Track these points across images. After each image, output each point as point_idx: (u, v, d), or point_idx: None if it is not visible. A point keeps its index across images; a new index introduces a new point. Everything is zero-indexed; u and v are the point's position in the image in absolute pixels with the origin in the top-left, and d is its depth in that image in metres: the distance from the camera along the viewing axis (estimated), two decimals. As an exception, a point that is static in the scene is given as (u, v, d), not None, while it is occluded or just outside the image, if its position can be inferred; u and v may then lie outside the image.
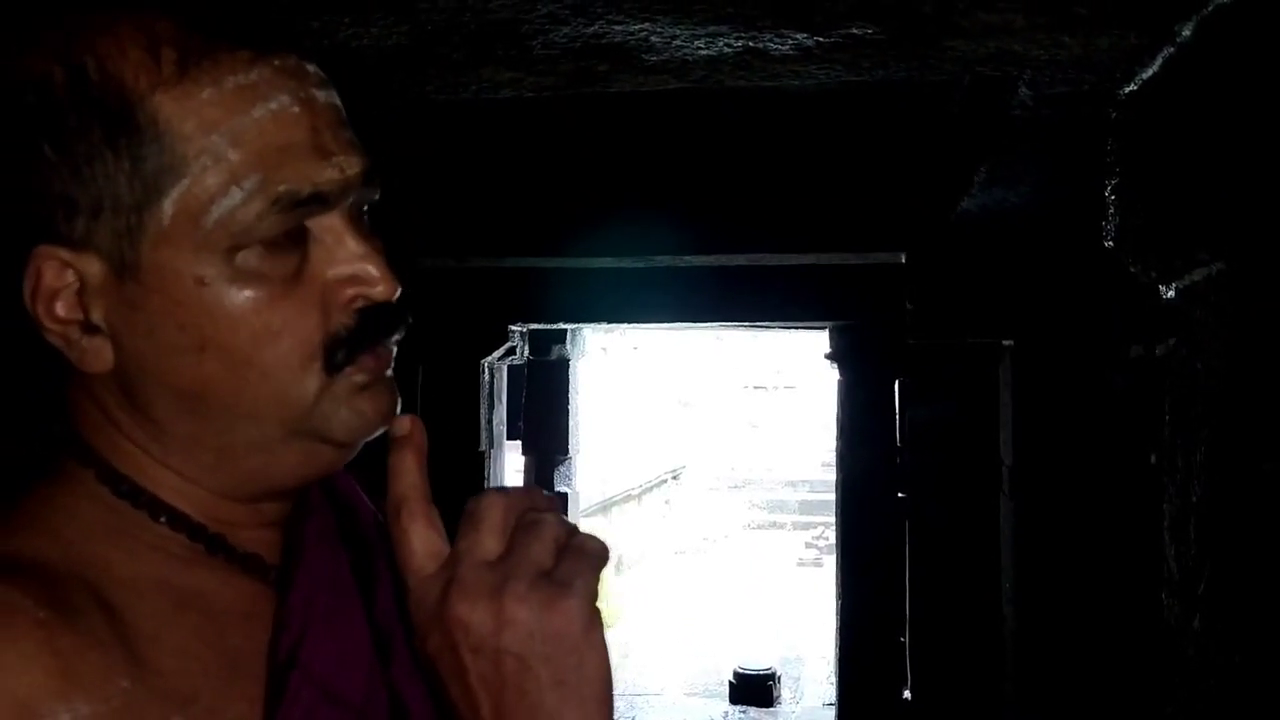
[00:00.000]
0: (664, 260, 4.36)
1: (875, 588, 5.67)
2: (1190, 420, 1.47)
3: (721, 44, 1.57)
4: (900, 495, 5.47)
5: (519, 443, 7.99)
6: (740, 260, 4.39)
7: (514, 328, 6.15)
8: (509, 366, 6.80)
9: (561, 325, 6.87)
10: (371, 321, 0.66)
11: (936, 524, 4.93)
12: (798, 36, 1.51)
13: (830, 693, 6.73)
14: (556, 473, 7.92)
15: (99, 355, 0.63)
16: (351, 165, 0.64)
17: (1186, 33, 1.44)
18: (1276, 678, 1.23)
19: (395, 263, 0.67)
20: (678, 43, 1.57)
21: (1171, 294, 1.55)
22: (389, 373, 0.68)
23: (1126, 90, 1.67)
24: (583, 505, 8.65)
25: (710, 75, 1.73)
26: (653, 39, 1.55)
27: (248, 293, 0.62)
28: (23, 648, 0.56)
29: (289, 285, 0.63)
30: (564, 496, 7.91)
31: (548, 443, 7.90)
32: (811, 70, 1.68)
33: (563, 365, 7.89)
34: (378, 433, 0.68)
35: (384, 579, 0.73)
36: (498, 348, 6.11)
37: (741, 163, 3.52)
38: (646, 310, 5.64)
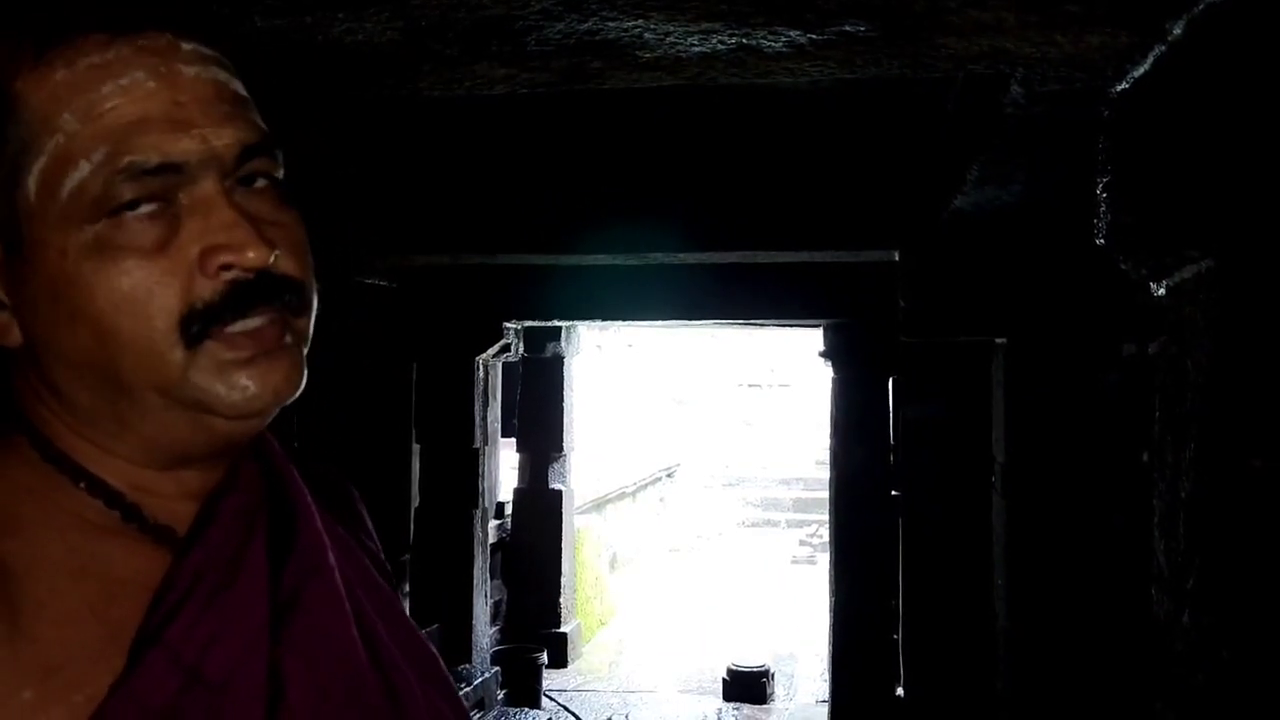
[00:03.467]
0: (659, 257, 4.36)
1: (868, 585, 5.68)
2: (1180, 417, 1.47)
3: (715, 41, 1.57)
4: (894, 493, 5.48)
5: (514, 440, 8.00)
6: (734, 258, 4.39)
7: (508, 325, 6.15)
8: (503, 364, 6.80)
9: (556, 322, 6.87)
10: (237, 293, 0.66)
11: (929, 521, 4.94)
12: (791, 33, 1.51)
13: (823, 689, 6.75)
14: (551, 470, 7.92)
15: (8, 330, 0.67)
16: (221, 136, 0.65)
17: (1177, 31, 1.44)
18: (1264, 672, 1.24)
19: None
20: (671, 39, 1.57)
21: (1162, 291, 1.56)
22: (287, 340, 0.68)
23: (1118, 89, 1.68)
24: (577, 503, 8.66)
25: (704, 72, 1.73)
26: (646, 35, 1.56)
27: (108, 264, 0.64)
28: None
29: (151, 256, 0.64)
30: (558, 494, 7.92)
31: (542, 440, 7.91)
32: (805, 67, 1.69)
33: (557, 362, 7.89)
34: (272, 405, 0.69)
35: (300, 553, 0.74)
36: (492, 345, 6.11)
37: (736, 160, 3.52)
38: (641, 307, 5.64)
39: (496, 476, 7.56)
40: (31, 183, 0.64)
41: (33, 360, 0.68)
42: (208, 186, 0.65)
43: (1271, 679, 1.23)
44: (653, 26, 1.51)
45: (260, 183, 0.69)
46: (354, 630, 0.74)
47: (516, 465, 8.00)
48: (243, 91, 0.69)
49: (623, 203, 3.64)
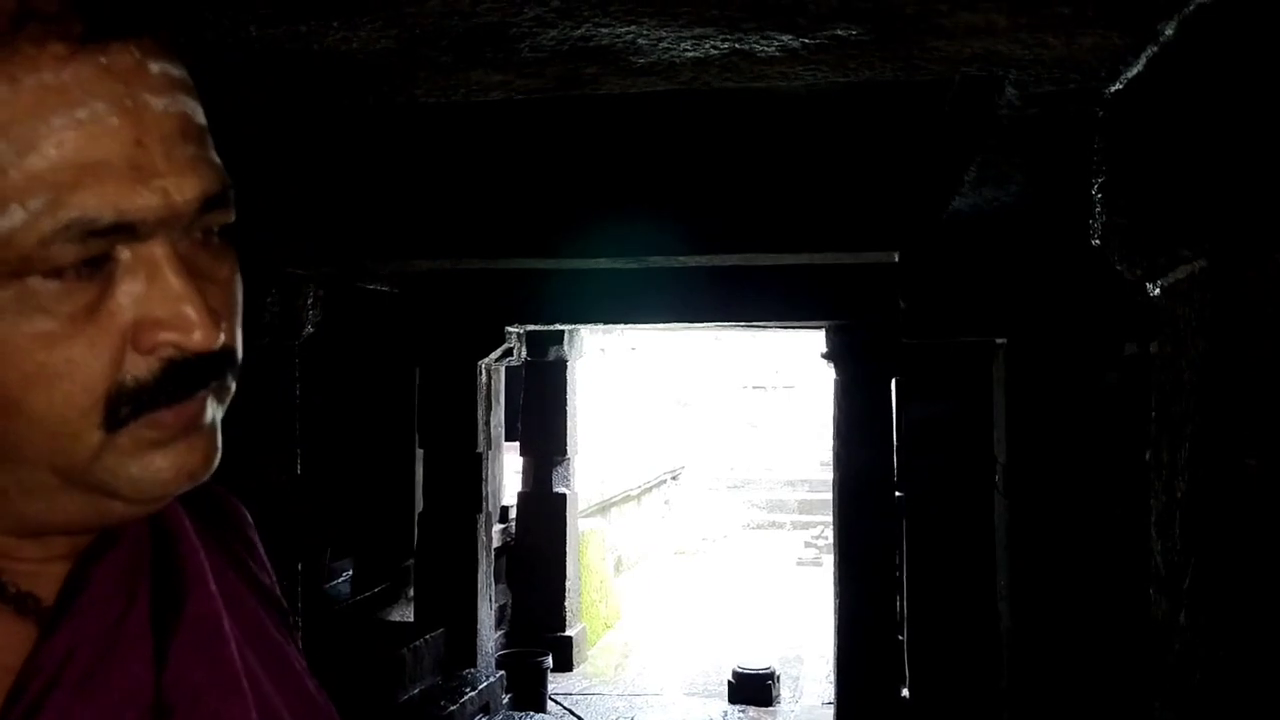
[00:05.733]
0: (659, 261, 4.37)
1: (873, 587, 5.68)
2: (1175, 416, 1.48)
3: (708, 46, 1.58)
4: (897, 494, 5.48)
5: (517, 444, 8.01)
6: (735, 260, 4.40)
7: (511, 329, 6.17)
8: (506, 368, 6.81)
9: (558, 326, 6.89)
10: (176, 375, 0.56)
11: (933, 522, 4.94)
12: (783, 38, 1.52)
13: (829, 691, 6.75)
14: (555, 474, 7.93)
15: None
16: (184, 189, 0.55)
17: (1169, 31, 1.44)
18: (1260, 672, 1.24)
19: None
20: (664, 45, 1.57)
21: (1156, 292, 1.56)
22: (207, 419, 0.59)
23: (1112, 89, 1.68)
24: (582, 506, 8.67)
25: (698, 77, 1.74)
26: (639, 41, 1.56)
27: (24, 326, 0.53)
28: None
29: (79, 322, 0.54)
30: (562, 497, 7.93)
31: (546, 444, 7.92)
32: (798, 71, 1.69)
33: (560, 366, 7.90)
34: (183, 490, 0.60)
35: (189, 624, 0.63)
36: (495, 349, 6.12)
37: (736, 163, 3.53)
38: (643, 310, 5.65)
39: (500, 480, 7.57)
40: None
41: None
42: (156, 246, 0.55)
43: (1268, 679, 1.23)
44: (645, 32, 1.52)
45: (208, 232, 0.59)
46: (252, 712, 0.64)
47: (520, 469, 8.02)
48: (203, 120, 0.58)
49: (623, 206, 3.65)
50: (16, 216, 0.51)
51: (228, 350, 0.58)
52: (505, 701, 6.47)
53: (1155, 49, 1.50)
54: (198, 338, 0.55)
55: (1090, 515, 3.19)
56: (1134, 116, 1.61)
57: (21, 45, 0.51)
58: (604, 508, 11.02)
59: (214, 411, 0.59)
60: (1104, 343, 3.24)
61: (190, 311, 0.55)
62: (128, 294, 0.55)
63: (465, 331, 6.00)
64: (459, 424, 6.14)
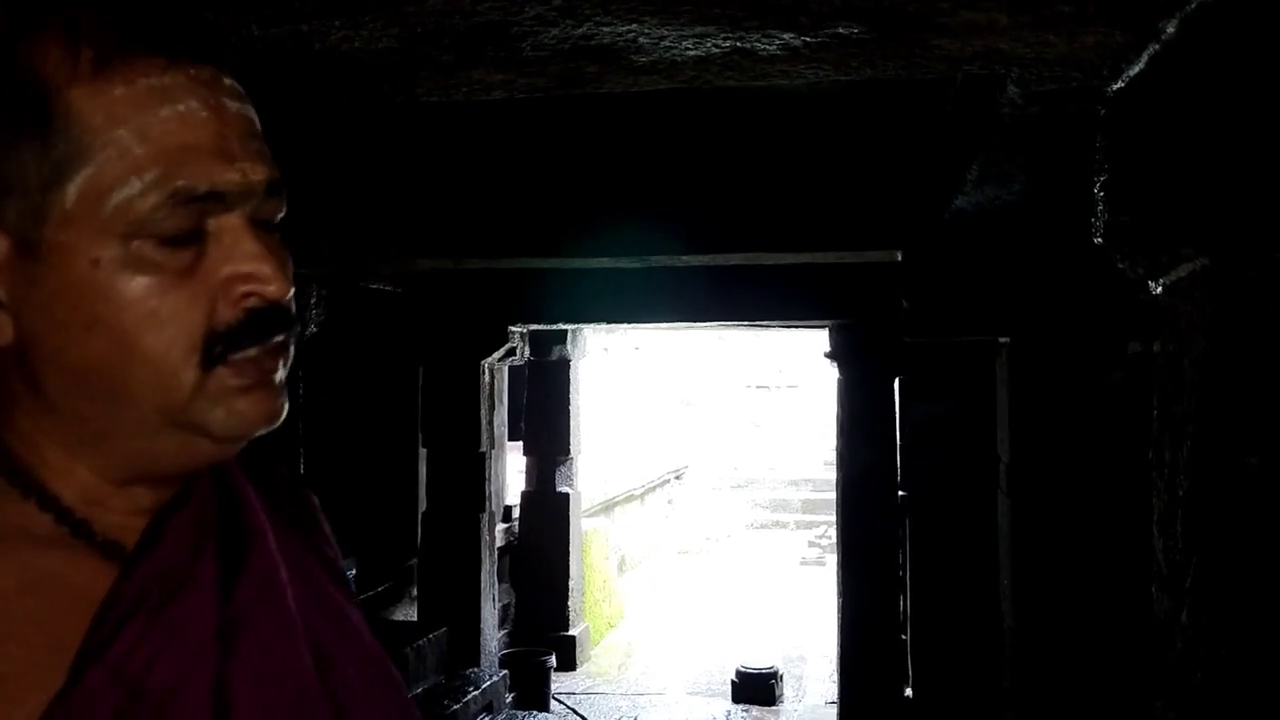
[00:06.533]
0: (662, 260, 4.37)
1: (876, 586, 5.68)
2: (1177, 415, 1.47)
3: (709, 44, 1.58)
4: (901, 493, 5.48)
5: (520, 443, 8.01)
6: (737, 259, 4.40)
7: (514, 328, 6.17)
8: (510, 367, 6.81)
9: (561, 326, 6.89)
10: (257, 320, 0.69)
11: (936, 522, 4.94)
12: (784, 36, 1.52)
13: (833, 691, 6.74)
14: (558, 473, 7.93)
15: (1, 329, 0.67)
16: (256, 172, 0.69)
17: (1171, 30, 1.44)
18: (1261, 670, 1.24)
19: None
20: (666, 43, 1.58)
21: (1159, 290, 1.56)
22: (278, 377, 0.72)
23: (1114, 87, 1.68)
24: (585, 505, 8.67)
25: (699, 75, 1.74)
26: (641, 40, 1.56)
27: (139, 278, 0.66)
28: None
29: (182, 277, 0.67)
30: (565, 497, 7.93)
31: (549, 443, 7.92)
32: (800, 70, 1.69)
33: (564, 366, 7.90)
34: (259, 432, 0.72)
35: (250, 574, 0.75)
36: (498, 349, 6.12)
37: (739, 162, 3.53)
38: (646, 310, 5.65)
39: (504, 480, 7.57)
40: (72, 190, 0.65)
41: (17, 361, 0.68)
42: (236, 217, 0.68)
43: (1269, 677, 1.23)
44: (647, 31, 1.52)
45: (270, 219, 0.72)
46: (304, 651, 0.75)
47: (524, 468, 8.02)
48: (260, 127, 0.72)
49: (626, 205, 3.65)
50: (135, 186, 0.65)
51: (292, 308, 0.71)
52: (508, 700, 6.47)
53: (1157, 47, 1.50)
54: (274, 289, 0.69)
55: (1093, 515, 3.18)
56: (1136, 115, 1.61)
57: (136, 59, 0.66)
58: (607, 507, 11.02)
59: (282, 371, 0.72)
60: (1107, 341, 3.24)
61: (267, 268, 0.69)
62: (217, 256, 0.68)
63: (468, 331, 6.01)
64: (462, 423, 6.15)
